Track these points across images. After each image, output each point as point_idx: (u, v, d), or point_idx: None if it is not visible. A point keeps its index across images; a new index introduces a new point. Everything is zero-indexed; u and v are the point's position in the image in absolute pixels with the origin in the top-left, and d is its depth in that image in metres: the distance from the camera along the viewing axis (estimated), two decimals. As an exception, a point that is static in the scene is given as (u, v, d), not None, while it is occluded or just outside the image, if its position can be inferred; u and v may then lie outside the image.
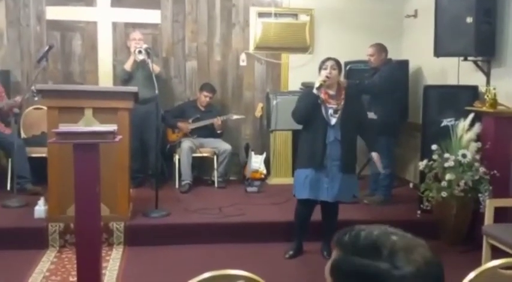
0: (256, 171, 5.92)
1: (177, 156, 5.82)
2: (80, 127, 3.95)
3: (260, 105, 6.31)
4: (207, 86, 6.05)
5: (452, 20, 4.65)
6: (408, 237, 0.99)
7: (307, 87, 4.66)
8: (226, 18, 6.36)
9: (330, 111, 3.95)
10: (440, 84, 5.28)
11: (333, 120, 3.94)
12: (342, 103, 3.96)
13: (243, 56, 6.41)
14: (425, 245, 0.98)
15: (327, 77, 3.91)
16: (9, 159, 5.29)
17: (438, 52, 4.80)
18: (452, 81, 5.17)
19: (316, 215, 4.18)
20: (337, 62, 4.03)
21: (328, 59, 4.02)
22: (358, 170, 6.01)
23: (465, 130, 4.44)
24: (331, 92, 3.99)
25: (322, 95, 3.94)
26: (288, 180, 5.48)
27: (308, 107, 3.96)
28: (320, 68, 4.00)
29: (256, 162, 5.95)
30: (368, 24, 6.34)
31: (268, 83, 6.48)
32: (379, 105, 5.04)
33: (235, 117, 6.03)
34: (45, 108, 4.79)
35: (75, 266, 3.35)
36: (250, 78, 6.47)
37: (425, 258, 0.95)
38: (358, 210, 4.88)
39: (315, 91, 3.91)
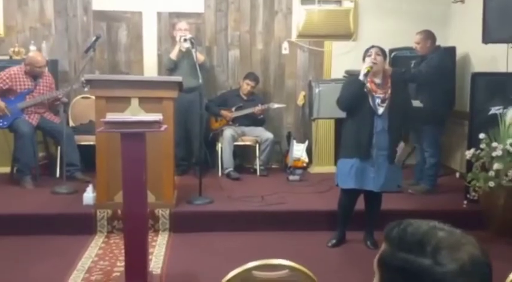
0: (298, 159, 5.92)
1: (219, 145, 5.88)
2: (126, 116, 4.03)
3: (302, 93, 6.29)
4: (251, 75, 6.07)
5: (502, 5, 4.51)
6: (457, 234, 0.96)
7: (351, 75, 4.60)
8: (269, 6, 6.33)
9: (378, 100, 3.90)
10: (489, 71, 5.13)
11: (381, 110, 3.90)
12: (389, 92, 3.92)
13: (285, 44, 6.38)
14: (475, 243, 0.96)
15: (373, 62, 3.87)
16: (58, 147, 5.46)
17: (486, 39, 4.66)
18: (501, 68, 5.02)
19: (359, 204, 4.16)
20: (382, 49, 4.00)
21: (373, 46, 3.99)
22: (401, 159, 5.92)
23: (514, 119, 4.32)
24: (377, 81, 3.94)
25: (368, 84, 3.89)
26: (330, 169, 5.46)
27: (354, 95, 3.90)
28: (364, 57, 3.97)
29: (298, 150, 5.95)
30: (414, 10, 6.20)
31: (310, 71, 6.44)
32: (426, 93, 4.94)
33: (276, 106, 6.04)
34: (92, 97, 4.92)
35: (122, 251, 3.45)
36: (293, 67, 6.45)
37: (472, 256, 0.93)
38: (403, 199, 4.82)
39: (361, 77, 3.86)
